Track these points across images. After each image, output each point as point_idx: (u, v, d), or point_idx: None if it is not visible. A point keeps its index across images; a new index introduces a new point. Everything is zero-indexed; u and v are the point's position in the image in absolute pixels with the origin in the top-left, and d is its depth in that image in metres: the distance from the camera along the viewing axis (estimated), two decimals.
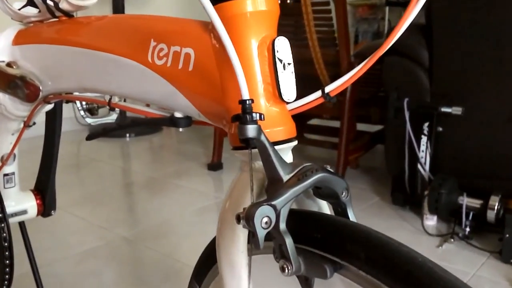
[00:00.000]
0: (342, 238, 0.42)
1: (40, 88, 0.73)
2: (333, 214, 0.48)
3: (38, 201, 1.00)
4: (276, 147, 0.46)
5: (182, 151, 3.07)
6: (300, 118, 2.48)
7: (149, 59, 0.55)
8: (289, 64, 0.48)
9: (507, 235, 1.58)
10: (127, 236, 1.86)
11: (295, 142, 0.50)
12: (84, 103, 0.83)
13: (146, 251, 1.73)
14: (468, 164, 1.86)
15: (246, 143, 0.44)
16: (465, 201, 1.74)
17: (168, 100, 0.55)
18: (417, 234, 1.81)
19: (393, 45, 1.90)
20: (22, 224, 1.15)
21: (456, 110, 1.81)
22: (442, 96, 1.88)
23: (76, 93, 0.71)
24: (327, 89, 0.52)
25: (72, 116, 3.33)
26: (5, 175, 0.95)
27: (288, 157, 0.50)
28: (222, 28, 0.43)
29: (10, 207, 0.96)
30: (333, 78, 2.25)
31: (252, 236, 0.42)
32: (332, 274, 0.42)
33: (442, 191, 1.77)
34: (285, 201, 0.42)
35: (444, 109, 1.83)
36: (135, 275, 1.57)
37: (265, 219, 0.42)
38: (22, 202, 0.98)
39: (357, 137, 2.40)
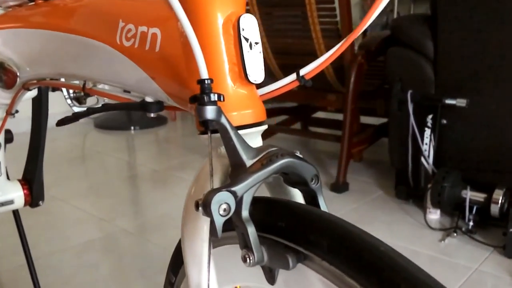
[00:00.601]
0: (305, 227, 0.39)
1: (18, 74, 0.71)
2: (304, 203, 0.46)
3: (25, 191, 0.98)
4: (242, 131, 0.44)
5: (187, 144, 3.05)
6: (304, 111, 2.47)
7: (118, 40, 0.52)
8: (256, 43, 0.46)
9: (511, 230, 1.54)
10: (128, 229, 1.85)
11: (264, 127, 0.48)
12: (71, 91, 0.81)
13: (146, 243, 1.72)
14: (472, 157, 1.82)
15: (205, 126, 0.41)
16: (469, 194, 1.70)
17: (137, 83, 0.52)
18: (419, 228, 1.78)
19: (397, 35, 1.85)
20: (16, 214, 1.15)
21: (461, 102, 1.76)
22: (447, 88, 1.83)
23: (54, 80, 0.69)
24: (302, 71, 0.49)
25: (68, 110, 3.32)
26: None
27: (257, 142, 0.48)
28: (175, 2, 0.41)
29: None
30: (337, 71, 2.22)
31: (210, 224, 0.39)
32: (295, 264, 0.39)
33: (445, 184, 1.73)
34: (246, 187, 0.40)
35: (448, 101, 1.79)
36: (134, 267, 1.56)
37: (224, 206, 0.39)
38: (9, 192, 0.97)
39: (361, 130, 2.36)
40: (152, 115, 0.54)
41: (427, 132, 1.88)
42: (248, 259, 0.40)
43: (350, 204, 2.00)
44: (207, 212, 0.38)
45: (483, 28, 1.72)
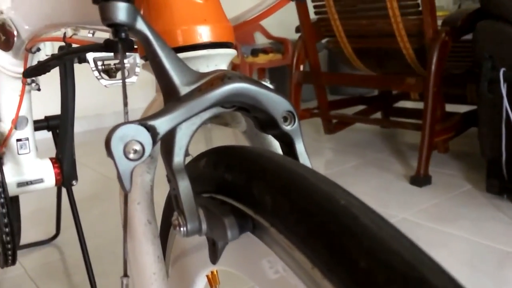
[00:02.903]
0: (250, 178, 0.26)
1: (15, 34, 0.65)
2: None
3: (56, 170, 0.94)
4: (188, 53, 0.32)
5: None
6: (385, 100, 2.27)
7: None
8: None
9: None
10: None
11: (228, 51, 0.35)
12: (99, 63, 0.76)
13: None
14: None
15: (114, 32, 0.30)
16: None
17: (98, 20, 0.42)
18: None
19: (487, 7, 1.59)
20: (69, 191, 1.11)
21: None
22: None
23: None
24: None
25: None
26: (18, 140, 0.90)
27: None
28: None
29: (25, 175, 0.91)
30: (418, 51, 2.00)
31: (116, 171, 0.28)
32: (236, 234, 0.27)
33: None
34: (172, 122, 0.28)
35: None
36: None
37: (135, 146, 0.27)
38: (39, 170, 0.92)
39: (448, 118, 2.12)
40: (119, 56, 0.43)
41: None
42: (179, 225, 0.28)
43: (432, 199, 1.78)
44: (109, 152, 0.27)
45: None
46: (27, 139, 0.90)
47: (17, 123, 0.86)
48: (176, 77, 0.30)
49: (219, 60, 0.35)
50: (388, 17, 1.98)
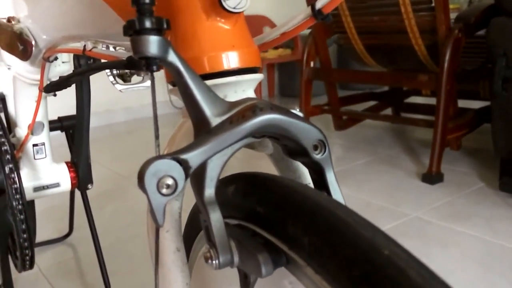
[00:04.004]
0: (285, 214, 0.26)
1: (33, 43, 0.65)
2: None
3: (72, 174, 0.94)
4: (217, 80, 0.32)
5: None
6: (396, 96, 2.25)
7: None
8: None
9: None
10: None
11: (257, 76, 0.35)
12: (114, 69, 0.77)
13: None
14: None
15: (146, 65, 0.29)
16: None
17: (120, 36, 0.42)
18: None
19: (501, 2, 1.57)
20: (84, 195, 1.12)
21: None
22: None
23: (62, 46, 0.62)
24: (319, 4, 0.36)
25: (166, 100, 3.40)
26: (34, 145, 0.90)
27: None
28: None
29: (41, 179, 0.91)
30: (430, 48, 1.99)
31: (149, 205, 0.28)
32: (271, 270, 0.26)
33: None
34: (204, 155, 0.28)
35: None
36: None
37: (167, 181, 0.27)
38: (55, 175, 0.93)
39: (460, 116, 2.10)
40: (142, 75, 0.44)
41: None
42: (211, 258, 0.28)
43: (444, 197, 1.77)
44: (142, 187, 0.27)
45: None
46: (43, 144, 0.91)
47: (33, 129, 0.87)
48: (207, 109, 0.30)
49: (247, 85, 0.35)
50: (400, 14, 1.96)
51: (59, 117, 1.11)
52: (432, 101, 2.42)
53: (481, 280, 1.24)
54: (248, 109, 0.29)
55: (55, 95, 0.87)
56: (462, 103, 2.16)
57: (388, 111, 2.67)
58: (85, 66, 0.47)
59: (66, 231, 1.68)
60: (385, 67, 2.33)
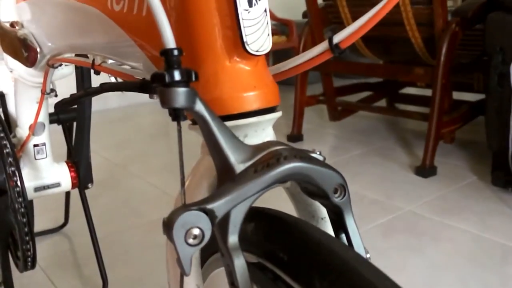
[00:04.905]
0: (312, 268, 0.27)
1: (38, 50, 0.64)
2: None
3: (72, 173, 0.94)
4: (240, 121, 0.32)
5: None
6: (390, 87, 2.26)
7: (109, 5, 0.42)
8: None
9: None
10: None
11: (277, 114, 0.35)
12: None
13: None
14: None
15: (173, 116, 0.30)
16: None
17: (130, 57, 0.42)
18: None
19: None
20: (82, 193, 1.12)
21: None
22: None
23: (68, 55, 0.62)
24: (336, 39, 0.36)
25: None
26: (35, 145, 0.90)
27: (264, 138, 0.35)
28: None
29: (42, 179, 0.91)
30: (427, 41, 1.99)
31: (176, 256, 0.28)
32: None
33: None
34: (229, 204, 0.28)
35: None
36: None
37: (195, 231, 0.28)
38: (55, 174, 0.93)
39: (454, 108, 2.11)
40: (155, 97, 0.44)
41: None
42: None
43: (437, 191, 1.80)
44: (170, 237, 0.28)
45: None
46: (44, 144, 0.91)
47: (35, 129, 0.86)
48: (231, 155, 0.30)
49: (266, 124, 0.35)
50: (397, 5, 1.96)
51: (55, 109, 1.10)
52: (426, 92, 2.43)
53: (471, 275, 1.27)
54: (272, 157, 0.30)
55: (56, 95, 0.87)
56: (455, 95, 2.17)
57: (383, 102, 2.69)
58: (98, 87, 0.47)
59: (61, 222, 1.68)
60: (381, 58, 2.33)
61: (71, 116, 1.10)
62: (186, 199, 0.36)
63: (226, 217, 0.29)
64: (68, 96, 1.00)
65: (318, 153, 0.32)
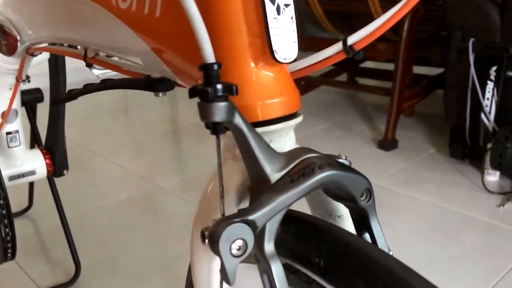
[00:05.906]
0: (351, 275, 0.28)
1: (18, 38, 0.62)
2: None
3: (47, 161, 0.92)
4: (268, 127, 0.33)
5: None
6: (351, 61, 2.27)
7: (113, 1, 0.41)
8: (286, 5, 0.33)
9: None
10: (165, 187, 1.80)
11: (299, 119, 0.36)
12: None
13: (184, 204, 1.66)
14: None
15: (213, 129, 0.30)
16: None
17: (137, 56, 0.41)
18: (476, 191, 1.63)
19: None
20: (51, 178, 1.09)
21: None
22: None
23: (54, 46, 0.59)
24: (350, 40, 0.37)
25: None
26: (7, 133, 0.87)
27: (288, 140, 0.36)
28: None
29: (16, 168, 0.88)
30: None
31: (221, 266, 0.29)
32: None
33: (509, 144, 1.56)
34: (269, 214, 0.29)
35: None
36: (170, 228, 1.51)
37: (238, 243, 0.29)
38: (30, 162, 0.90)
39: (413, 82, 2.18)
40: (160, 95, 0.43)
41: (490, 85, 1.69)
42: None
43: (399, 164, 1.86)
44: (215, 250, 0.28)
45: None
46: (17, 131, 0.87)
47: (8, 117, 0.83)
48: (267, 165, 0.31)
49: (289, 129, 0.36)
50: None
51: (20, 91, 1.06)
52: (385, 66, 2.49)
53: (434, 243, 1.34)
54: (306, 166, 0.31)
55: (29, 81, 0.83)
56: (413, 69, 2.24)
57: (343, 76, 2.72)
58: (100, 84, 0.45)
59: (25, 205, 1.63)
60: (343, 33, 2.35)
61: (36, 96, 1.06)
62: (204, 209, 0.36)
63: (264, 226, 0.30)
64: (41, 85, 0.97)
65: (344, 158, 0.33)
